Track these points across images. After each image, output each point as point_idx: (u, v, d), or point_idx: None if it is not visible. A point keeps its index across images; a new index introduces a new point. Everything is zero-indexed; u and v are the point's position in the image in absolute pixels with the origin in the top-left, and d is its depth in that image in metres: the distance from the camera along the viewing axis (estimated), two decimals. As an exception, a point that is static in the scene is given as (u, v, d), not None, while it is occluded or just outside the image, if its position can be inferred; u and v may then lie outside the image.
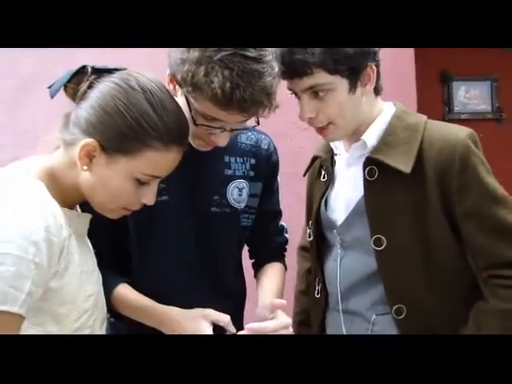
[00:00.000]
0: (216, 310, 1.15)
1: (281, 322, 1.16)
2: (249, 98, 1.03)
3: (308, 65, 1.11)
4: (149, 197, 1.03)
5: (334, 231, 1.27)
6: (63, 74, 1.01)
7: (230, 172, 1.28)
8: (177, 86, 1.11)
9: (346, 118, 1.18)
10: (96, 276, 1.07)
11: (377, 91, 1.23)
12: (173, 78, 1.11)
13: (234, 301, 1.31)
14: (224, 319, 1.14)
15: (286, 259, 1.45)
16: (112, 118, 0.96)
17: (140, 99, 0.97)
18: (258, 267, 1.42)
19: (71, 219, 0.99)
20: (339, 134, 1.22)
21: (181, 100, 1.10)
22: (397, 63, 2.20)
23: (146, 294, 1.19)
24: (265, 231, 1.40)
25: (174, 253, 1.23)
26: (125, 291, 1.19)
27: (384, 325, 1.20)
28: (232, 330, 1.14)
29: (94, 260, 1.09)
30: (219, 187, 1.27)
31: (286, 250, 1.46)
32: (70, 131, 0.99)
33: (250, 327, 1.12)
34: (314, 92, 1.15)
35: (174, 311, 1.16)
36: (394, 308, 1.18)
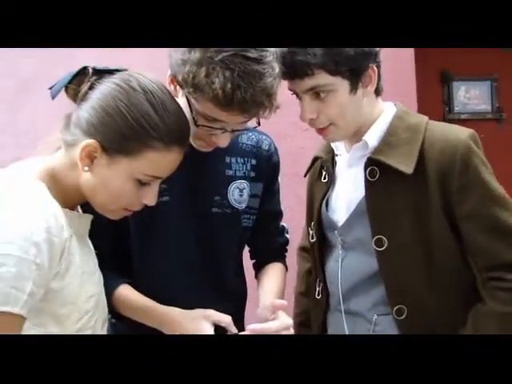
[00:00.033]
0: (217, 310, 1.15)
1: (283, 323, 1.16)
2: (250, 98, 1.03)
3: (309, 66, 1.11)
4: (150, 197, 1.03)
5: (336, 232, 1.27)
6: (63, 74, 1.01)
7: (230, 172, 1.28)
8: (178, 87, 1.11)
9: (347, 119, 1.18)
10: (97, 277, 1.07)
11: (378, 92, 1.23)
12: (174, 79, 1.11)
13: (234, 301, 1.31)
14: (225, 320, 1.14)
15: (286, 260, 1.45)
16: (113, 119, 0.96)
17: (141, 100, 0.97)
18: (258, 268, 1.42)
19: (72, 220, 0.99)
20: (340, 134, 1.22)
21: (182, 101, 1.10)
22: (397, 63, 2.20)
23: (147, 295, 1.19)
24: (266, 232, 1.40)
25: (175, 253, 1.23)
26: (126, 292, 1.19)
27: (385, 325, 1.20)
28: (233, 330, 1.14)
29: (96, 261, 1.09)
30: (220, 188, 1.27)
31: (286, 250, 1.46)
32: (71, 132, 0.99)
33: (252, 328, 1.12)
34: (315, 93, 1.15)
35: (175, 312, 1.16)
36: (395, 309, 1.18)
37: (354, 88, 1.16)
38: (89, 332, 1.00)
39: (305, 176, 1.42)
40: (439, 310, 1.17)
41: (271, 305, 1.19)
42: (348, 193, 1.26)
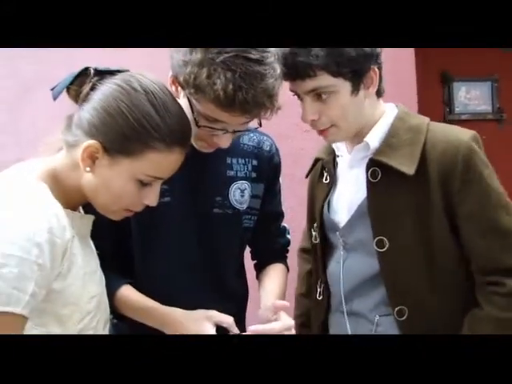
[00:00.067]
0: (218, 311, 1.15)
1: (284, 324, 1.16)
2: (251, 99, 1.03)
3: (311, 67, 1.11)
4: (151, 198, 1.03)
5: (337, 233, 1.26)
6: (64, 74, 1.01)
7: (232, 173, 1.29)
8: (179, 88, 1.12)
9: (349, 121, 1.18)
10: (99, 277, 1.07)
11: (379, 93, 1.23)
12: (175, 80, 1.11)
13: (236, 302, 1.31)
14: (227, 320, 1.14)
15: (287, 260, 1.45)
16: (114, 120, 0.96)
17: (142, 101, 0.97)
18: (260, 268, 1.42)
19: (74, 221, 1.00)
20: (341, 136, 1.22)
21: (183, 102, 1.10)
22: (397, 64, 2.20)
23: (148, 295, 1.19)
24: (267, 232, 1.40)
25: (177, 254, 1.23)
26: (128, 292, 1.19)
27: (387, 326, 1.20)
28: (235, 331, 1.14)
29: (97, 261, 1.09)
30: (221, 188, 1.27)
31: (288, 251, 1.46)
32: (73, 133, 0.99)
33: (254, 329, 1.12)
34: (317, 94, 1.15)
35: (176, 312, 1.16)
36: (396, 309, 1.18)
37: (355, 89, 1.16)
38: (91, 332, 1.00)
39: (306, 177, 1.42)
40: (440, 311, 1.17)
41: (273, 306, 1.19)
42: (349, 194, 1.26)
